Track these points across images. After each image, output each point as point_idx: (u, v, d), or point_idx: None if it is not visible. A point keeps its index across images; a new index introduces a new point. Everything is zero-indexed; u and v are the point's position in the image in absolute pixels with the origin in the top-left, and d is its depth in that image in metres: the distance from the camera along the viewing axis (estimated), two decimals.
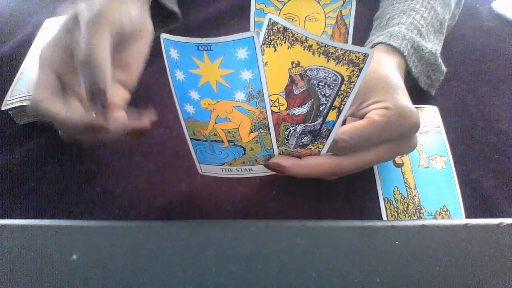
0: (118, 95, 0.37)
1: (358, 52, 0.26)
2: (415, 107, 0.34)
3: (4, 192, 0.39)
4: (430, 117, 0.44)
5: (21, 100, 0.42)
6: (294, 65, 0.28)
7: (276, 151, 0.32)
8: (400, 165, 0.40)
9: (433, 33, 0.44)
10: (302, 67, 0.28)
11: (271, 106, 0.29)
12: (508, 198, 0.38)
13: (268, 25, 0.27)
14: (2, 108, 0.42)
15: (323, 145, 0.32)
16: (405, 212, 0.38)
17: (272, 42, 0.27)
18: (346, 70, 0.27)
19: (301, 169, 0.32)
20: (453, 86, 0.48)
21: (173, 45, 0.26)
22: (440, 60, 0.43)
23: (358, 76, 0.27)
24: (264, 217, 0.37)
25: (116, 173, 0.40)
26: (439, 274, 0.26)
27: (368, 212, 0.38)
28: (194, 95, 0.29)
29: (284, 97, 0.29)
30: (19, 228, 0.29)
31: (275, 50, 0.27)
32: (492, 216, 0.37)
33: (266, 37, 0.27)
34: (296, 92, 0.29)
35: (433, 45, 0.43)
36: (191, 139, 0.32)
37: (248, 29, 0.33)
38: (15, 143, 0.43)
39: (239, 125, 0.30)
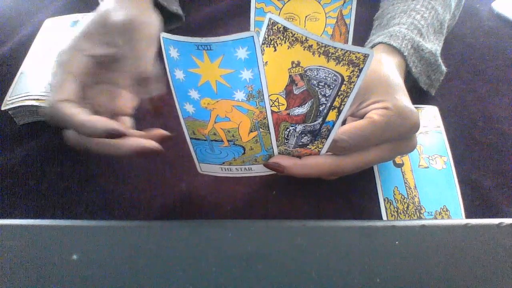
0: (127, 102, 0.38)
1: (358, 53, 0.26)
2: (415, 107, 0.34)
3: (4, 192, 0.39)
4: (430, 117, 0.44)
5: (21, 100, 0.42)
6: (294, 65, 0.28)
7: (275, 150, 0.32)
8: (400, 165, 0.40)
9: (433, 33, 0.44)
10: (302, 67, 0.28)
11: (271, 106, 0.29)
12: (508, 198, 0.38)
13: (268, 25, 0.27)
14: (2, 108, 0.42)
15: (323, 145, 0.32)
16: (405, 212, 0.38)
17: (272, 41, 0.27)
18: (346, 70, 0.27)
19: (300, 168, 0.32)
20: (453, 86, 0.48)
21: (173, 45, 0.26)
22: (440, 60, 0.43)
23: (358, 76, 0.27)
24: (264, 217, 0.37)
25: (116, 173, 0.40)
26: (439, 274, 0.26)
27: (368, 212, 0.38)
28: (194, 94, 0.29)
29: (284, 97, 0.29)
30: (19, 228, 0.29)
31: (275, 50, 0.27)
32: (492, 216, 0.37)
33: (266, 36, 0.27)
34: (296, 92, 0.29)
35: (433, 45, 0.43)
36: (190, 138, 0.32)
37: (248, 29, 0.33)
38: (15, 143, 0.43)
39: (238, 125, 0.30)
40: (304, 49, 0.27)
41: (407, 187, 0.39)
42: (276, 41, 0.27)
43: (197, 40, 0.25)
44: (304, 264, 0.27)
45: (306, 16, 0.35)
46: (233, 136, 0.31)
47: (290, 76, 0.28)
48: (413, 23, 0.42)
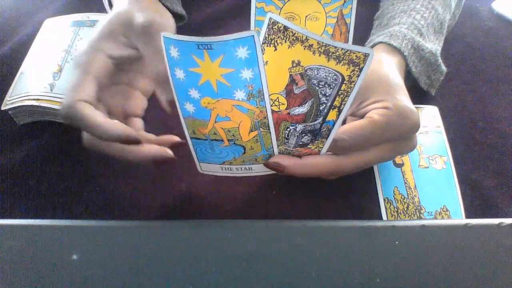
0: (138, 103, 0.38)
1: (359, 52, 0.26)
2: (415, 107, 0.34)
3: (4, 192, 0.39)
4: (430, 117, 0.44)
5: (21, 100, 0.42)
6: (294, 65, 0.28)
7: (276, 150, 0.32)
8: (400, 165, 0.40)
9: (433, 33, 0.44)
10: (302, 66, 0.28)
11: (271, 105, 0.29)
12: (508, 198, 0.38)
13: (268, 24, 0.27)
14: (2, 108, 0.42)
15: (323, 145, 0.32)
16: (405, 212, 0.38)
17: (273, 41, 0.27)
18: (347, 70, 0.27)
19: (301, 168, 0.32)
20: (453, 86, 0.48)
21: (173, 44, 0.26)
22: (440, 60, 0.43)
23: (358, 75, 0.27)
24: (264, 217, 0.37)
25: (116, 173, 0.40)
26: (439, 274, 0.26)
27: (368, 212, 0.38)
28: (194, 94, 0.29)
29: (284, 96, 0.29)
30: (19, 228, 0.29)
31: (276, 49, 0.27)
32: (492, 216, 0.37)
33: (267, 36, 0.27)
34: (296, 91, 0.29)
35: (433, 45, 0.43)
36: (191, 138, 0.32)
37: (248, 28, 0.33)
38: (15, 143, 0.43)
39: (239, 124, 0.30)
40: (304, 49, 0.27)
41: (407, 187, 0.39)
42: (276, 41, 0.27)
43: (197, 39, 0.25)
44: (304, 264, 0.27)
45: (307, 16, 0.35)
46: (233, 135, 0.31)
47: (290, 75, 0.28)
48: (413, 23, 0.42)
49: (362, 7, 0.46)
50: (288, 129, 0.31)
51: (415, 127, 0.33)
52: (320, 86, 0.28)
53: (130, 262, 0.27)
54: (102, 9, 0.50)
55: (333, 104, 0.29)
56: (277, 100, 0.30)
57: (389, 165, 0.40)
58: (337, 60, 0.27)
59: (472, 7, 0.57)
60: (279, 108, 0.30)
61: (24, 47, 0.49)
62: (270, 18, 0.26)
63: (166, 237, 0.28)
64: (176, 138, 0.35)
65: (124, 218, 0.37)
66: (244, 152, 0.32)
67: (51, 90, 0.43)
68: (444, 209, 0.38)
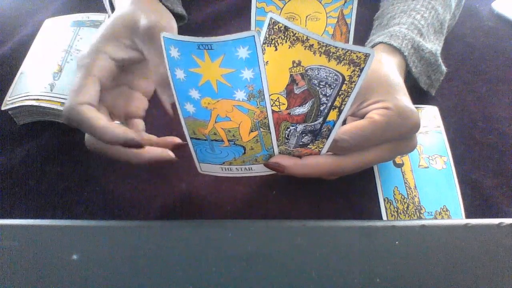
0: (139, 104, 0.38)
1: (359, 52, 0.26)
2: (415, 107, 0.34)
3: (4, 192, 0.39)
4: (430, 117, 0.44)
5: (21, 100, 0.42)
6: (295, 65, 0.28)
7: (276, 150, 0.32)
8: (400, 165, 0.40)
9: (433, 33, 0.44)
10: (303, 66, 0.28)
11: (271, 106, 0.29)
12: (508, 198, 0.38)
13: (269, 24, 0.27)
14: (2, 108, 0.42)
15: (324, 145, 0.32)
16: (405, 212, 0.38)
17: (273, 41, 0.27)
18: (347, 70, 0.27)
19: (301, 168, 0.32)
20: (453, 86, 0.48)
21: (173, 44, 0.26)
22: (440, 60, 0.43)
23: (359, 76, 0.27)
24: (264, 217, 0.37)
25: (116, 173, 0.40)
26: (439, 274, 0.26)
27: (368, 212, 0.38)
28: (195, 94, 0.29)
29: (285, 96, 0.29)
30: (19, 228, 0.29)
31: (276, 50, 0.27)
32: (492, 216, 0.37)
33: (267, 36, 0.27)
34: (296, 91, 0.29)
35: (434, 45, 0.43)
36: (191, 138, 0.32)
37: (248, 29, 0.33)
38: (15, 143, 0.43)
39: (239, 125, 0.30)
40: (305, 49, 0.27)
41: (407, 187, 0.39)
42: (277, 41, 0.27)
43: (198, 39, 0.25)
44: (304, 264, 0.27)
45: (307, 16, 0.35)
46: (233, 136, 0.31)
47: (291, 75, 0.28)
48: (413, 23, 0.42)
49: (362, 7, 0.46)
50: (289, 129, 0.31)
51: (416, 127, 0.33)
52: (321, 86, 0.28)
53: (130, 262, 0.27)
54: (102, 9, 0.50)
55: (334, 104, 0.29)
56: (277, 100, 0.30)
57: (389, 165, 0.40)
58: (338, 60, 0.27)
59: (472, 7, 0.57)
60: (279, 108, 0.30)
61: (24, 47, 0.49)
62: (271, 18, 0.26)
63: (166, 237, 0.28)
64: (177, 140, 0.35)
65: (124, 218, 0.37)
66: (244, 153, 0.32)
67: (51, 90, 0.43)
68: (444, 209, 0.38)
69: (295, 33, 0.26)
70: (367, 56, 0.26)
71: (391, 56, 0.39)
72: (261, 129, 0.30)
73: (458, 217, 0.37)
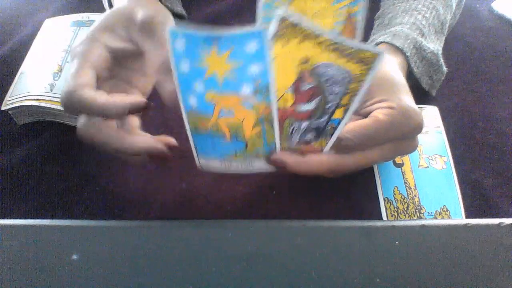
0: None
1: (369, 51, 0.26)
2: None
3: (4, 192, 0.39)
4: (430, 117, 0.44)
5: (21, 100, 0.42)
6: (303, 61, 0.27)
7: (278, 147, 0.32)
8: (400, 165, 0.40)
9: (435, 33, 0.44)
10: (311, 63, 0.27)
11: (277, 102, 0.29)
12: (508, 198, 0.38)
13: (278, 20, 0.26)
14: (2, 108, 0.42)
15: (327, 143, 0.31)
16: (405, 212, 0.37)
17: (282, 37, 0.27)
18: (356, 69, 0.27)
19: (303, 166, 0.32)
20: (453, 86, 0.48)
21: (179, 37, 0.26)
22: (441, 60, 0.43)
23: (368, 75, 0.27)
24: (264, 217, 0.37)
25: (116, 173, 0.40)
26: (439, 274, 0.26)
27: (368, 212, 0.38)
28: (199, 87, 0.28)
29: (291, 93, 0.29)
30: (19, 228, 0.29)
31: (285, 45, 0.27)
32: (492, 216, 0.37)
33: (276, 31, 0.27)
34: (303, 88, 0.29)
35: (435, 45, 0.43)
36: (192, 132, 0.32)
37: None
38: (15, 143, 0.43)
39: (242, 120, 0.30)
40: (314, 45, 0.26)
41: (407, 187, 0.39)
42: (286, 36, 0.27)
43: (205, 32, 0.25)
44: (304, 264, 0.27)
45: (315, 12, 0.35)
46: (236, 131, 0.30)
47: (298, 72, 0.28)
48: (415, 23, 0.42)
49: None
50: (293, 126, 0.31)
51: (419, 127, 0.33)
52: (329, 83, 0.28)
53: (130, 262, 0.27)
54: (102, 9, 0.50)
55: (340, 103, 0.29)
56: (283, 96, 0.29)
57: (389, 165, 0.40)
58: (347, 58, 0.27)
59: (472, 7, 0.57)
60: (285, 105, 0.30)
61: (24, 47, 0.49)
62: (280, 14, 0.26)
63: (166, 237, 0.28)
64: (172, 141, 0.35)
65: (124, 218, 0.37)
66: (246, 148, 0.32)
67: (51, 90, 0.43)
68: (444, 209, 0.38)
69: (305, 29, 0.26)
70: (377, 55, 0.26)
71: (393, 56, 0.39)
72: (264, 125, 0.30)
73: (458, 217, 0.37)
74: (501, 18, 0.56)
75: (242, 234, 0.28)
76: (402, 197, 0.38)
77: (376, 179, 0.40)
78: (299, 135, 0.31)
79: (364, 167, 0.34)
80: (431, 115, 0.44)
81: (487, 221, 0.28)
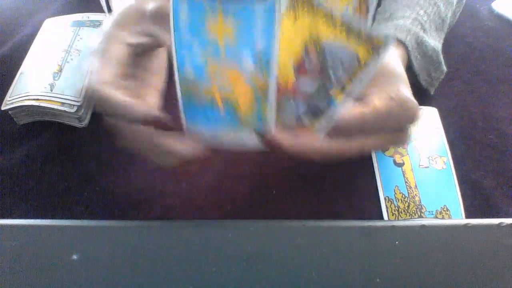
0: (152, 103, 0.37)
1: (380, 37, 0.25)
2: None
3: (4, 192, 0.39)
4: (429, 118, 0.44)
5: (21, 100, 0.42)
6: (311, 38, 0.26)
7: (273, 126, 0.31)
8: (400, 165, 0.40)
9: (435, 30, 0.44)
10: (319, 41, 0.26)
11: (277, 78, 0.28)
12: (508, 198, 0.38)
13: None
14: (2, 108, 0.42)
15: (323, 126, 0.31)
16: (406, 211, 0.38)
17: (293, 11, 0.26)
18: (365, 53, 0.26)
19: (297, 148, 0.31)
20: (453, 86, 0.48)
21: (184, 4, 0.25)
22: (441, 57, 0.43)
23: (375, 60, 0.26)
24: (264, 217, 0.37)
25: (116, 173, 0.40)
26: (439, 274, 0.26)
27: (368, 212, 0.38)
28: (199, 55, 0.27)
29: (294, 70, 0.28)
30: (19, 228, 0.29)
31: (295, 20, 0.26)
32: (492, 216, 0.37)
33: (288, 5, 0.26)
34: (307, 67, 0.28)
35: (435, 41, 0.43)
36: (183, 100, 0.30)
37: None
38: (15, 143, 0.43)
39: (239, 94, 0.28)
40: (325, 23, 0.26)
41: (407, 186, 0.39)
42: (297, 11, 0.26)
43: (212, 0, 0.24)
44: (304, 264, 0.27)
45: None
46: (231, 105, 0.29)
47: (305, 48, 0.27)
48: (416, 18, 0.42)
49: None
50: (290, 106, 0.30)
51: (414, 119, 0.33)
52: (334, 65, 0.27)
53: (130, 262, 0.27)
54: (102, 9, 0.50)
55: (342, 86, 0.28)
56: (285, 73, 0.28)
57: (390, 165, 0.40)
58: (357, 40, 0.26)
59: (472, 7, 0.57)
60: (285, 82, 0.29)
61: (24, 47, 0.49)
62: None
63: (166, 237, 0.28)
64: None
65: (124, 218, 0.37)
66: (240, 124, 0.31)
67: (51, 90, 0.43)
68: (445, 209, 0.38)
69: (317, 6, 0.25)
70: (386, 41, 0.25)
71: (394, 48, 0.39)
72: (261, 101, 0.29)
73: (458, 217, 0.37)
74: (501, 18, 0.56)
75: (242, 234, 0.28)
76: (403, 196, 0.38)
77: (377, 179, 0.40)
78: (296, 116, 0.30)
79: (358, 154, 0.33)
80: (430, 116, 0.44)
81: (487, 221, 0.28)
